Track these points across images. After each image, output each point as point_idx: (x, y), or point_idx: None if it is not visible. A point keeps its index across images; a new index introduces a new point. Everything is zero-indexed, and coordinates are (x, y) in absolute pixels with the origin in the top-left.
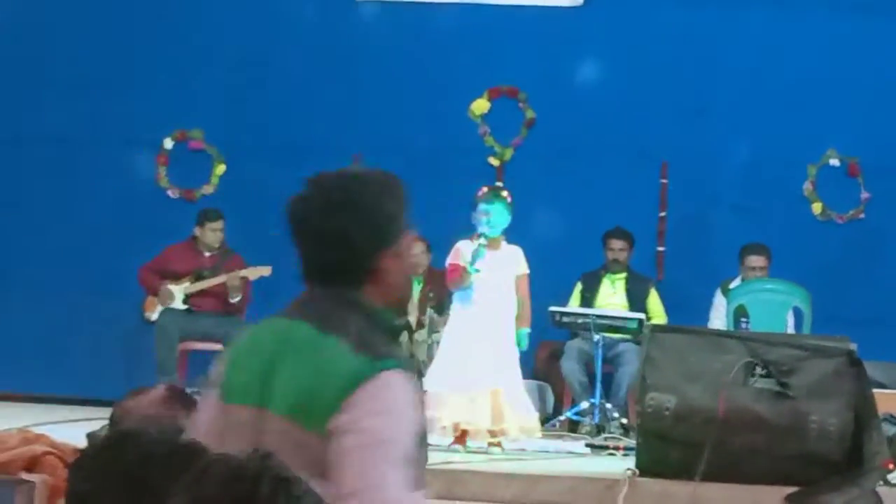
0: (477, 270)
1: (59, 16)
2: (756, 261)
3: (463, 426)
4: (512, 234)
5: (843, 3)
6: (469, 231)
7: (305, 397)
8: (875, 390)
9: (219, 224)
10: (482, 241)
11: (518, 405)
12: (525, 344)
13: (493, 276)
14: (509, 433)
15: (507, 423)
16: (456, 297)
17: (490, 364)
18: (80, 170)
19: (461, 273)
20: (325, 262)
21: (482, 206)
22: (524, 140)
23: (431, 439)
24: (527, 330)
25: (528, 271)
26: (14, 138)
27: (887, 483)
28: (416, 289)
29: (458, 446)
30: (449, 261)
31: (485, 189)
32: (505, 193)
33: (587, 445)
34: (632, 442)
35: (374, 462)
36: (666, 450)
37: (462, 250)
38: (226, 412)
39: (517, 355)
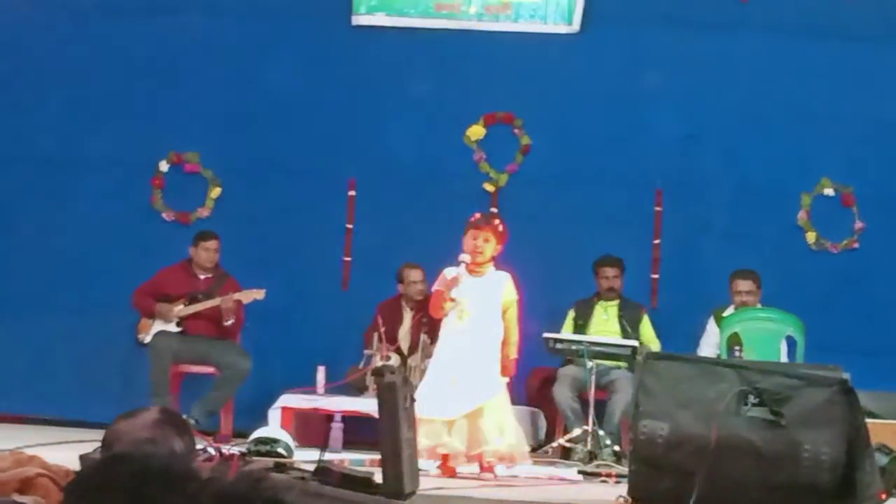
0: (451, 299)
1: (54, 38)
2: (744, 285)
3: (439, 450)
4: (505, 260)
5: (838, 32)
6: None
7: None
8: (868, 420)
9: (213, 244)
10: (461, 268)
11: (505, 430)
12: (513, 370)
13: (478, 303)
14: (487, 458)
15: (485, 447)
16: (443, 322)
17: (470, 389)
18: (76, 192)
19: (440, 300)
20: None
21: (468, 231)
22: (519, 166)
23: (421, 464)
24: (514, 357)
25: (515, 297)
26: (8, 159)
27: None
28: (408, 315)
29: (444, 475)
30: (434, 287)
31: (477, 216)
32: (497, 222)
33: (579, 472)
34: (624, 469)
35: None
36: (658, 477)
37: (447, 277)
38: None
39: (504, 381)
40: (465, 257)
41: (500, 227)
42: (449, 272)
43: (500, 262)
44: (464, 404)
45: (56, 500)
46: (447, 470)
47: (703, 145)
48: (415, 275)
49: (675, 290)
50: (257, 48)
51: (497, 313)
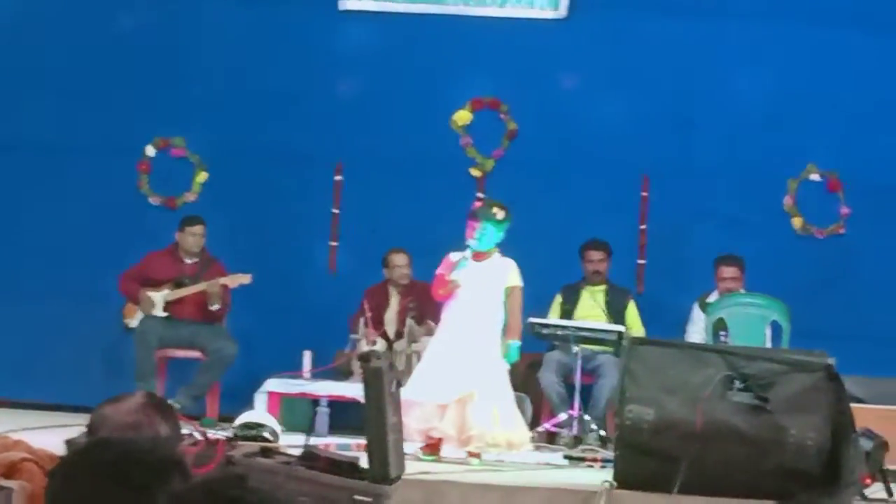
0: (454, 280)
1: (42, 24)
2: (728, 271)
3: (432, 434)
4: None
5: (826, 18)
6: (455, 242)
7: None
8: (853, 405)
9: (199, 229)
10: (466, 253)
11: (501, 417)
12: (514, 356)
13: (478, 289)
14: (475, 443)
15: (473, 431)
16: (444, 307)
17: (464, 373)
18: (61, 176)
19: (443, 283)
20: None
21: (469, 220)
22: (506, 151)
23: (406, 447)
24: (516, 343)
25: (519, 284)
26: None
27: (864, 498)
28: (395, 300)
29: (430, 455)
30: (438, 271)
31: (477, 203)
32: (494, 210)
33: (565, 457)
34: (610, 454)
35: None
36: (644, 462)
37: (451, 261)
38: None
39: (504, 367)
40: (472, 243)
41: (500, 215)
42: (454, 256)
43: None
44: (457, 389)
45: (41, 484)
46: (431, 449)
47: (690, 131)
48: (399, 259)
49: (661, 276)
50: (244, 32)
51: (498, 299)
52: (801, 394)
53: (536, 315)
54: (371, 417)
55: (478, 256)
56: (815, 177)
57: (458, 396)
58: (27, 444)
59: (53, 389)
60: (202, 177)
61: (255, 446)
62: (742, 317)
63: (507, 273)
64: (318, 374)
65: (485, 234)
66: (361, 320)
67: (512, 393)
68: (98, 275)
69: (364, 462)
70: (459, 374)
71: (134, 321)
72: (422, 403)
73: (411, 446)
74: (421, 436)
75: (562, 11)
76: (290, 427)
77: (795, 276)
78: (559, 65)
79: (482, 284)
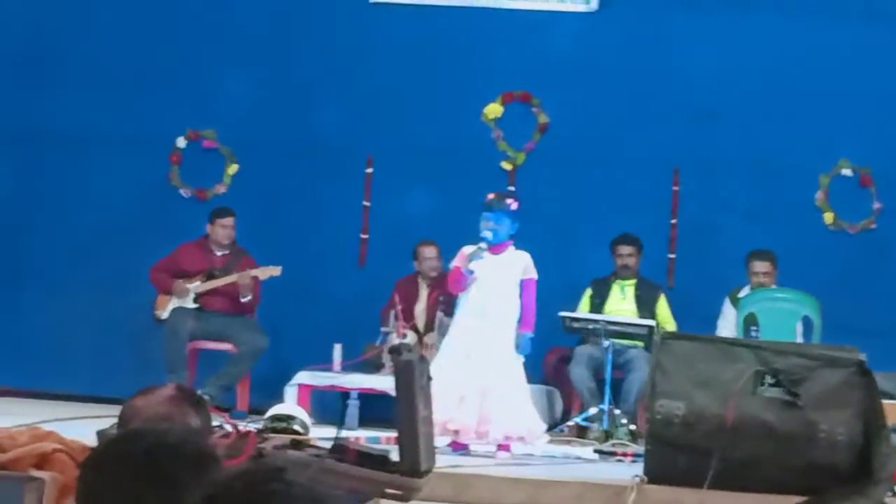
0: (471, 272)
1: (73, 14)
2: (760, 266)
3: (450, 426)
4: (522, 239)
5: (858, 12)
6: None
7: None
8: (884, 401)
9: (229, 220)
10: (482, 245)
11: (519, 410)
12: (527, 349)
13: (494, 281)
14: (492, 434)
15: (492, 424)
16: (459, 300)
17: (483, 366)
18: (93, 168)
19: (458, 276)
20: None
21: (484, 213)
22: (537, 144)
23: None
24: (529, 335)
25: (534, 276)
26: (27, 136)
27: None
28: (425, 292)
29: (459, 449)
30: (452, 264)
31: (491, 196)
32: (508, 201)
33: (595, 451)
34: (640, 448)
35: None
36: (674, 457)
37: (465, 253)
38: None
39: (519, 360)
40: (486, 234)
41: (513, 206)
42: (467, 249)
43: (516, 240)
44: (475, 380)
45: (72, 475)
46: (458, 445)
47: (722, 125)
48: (428, 251)
49: (691, 270)
50: (276, 25)
51: (514, 291)
52: (833, 389)
53: (566, 309)
54: (402, 410)
55: (493, 249)
56: (846, 172)
57: (477, 388)
58: (59, 434)
59: (85, 380)
60: (233, 169)
61: (285, 439)
62: (773, 312)
63: (523, 265)
64: (348, 367)
65: (500, 225)
66: (392, 313)
67: (527, 385)
68: (129, 266)
69: (395, 455)
70: (477, 367)
71: (165, 313)
72: (439, 395)
73: (441, 440)
74: (439, 427)
75: (593, 5)
76: (320, 420)
77: (827, 272)
78: (590, 58)
79: (498, 277)
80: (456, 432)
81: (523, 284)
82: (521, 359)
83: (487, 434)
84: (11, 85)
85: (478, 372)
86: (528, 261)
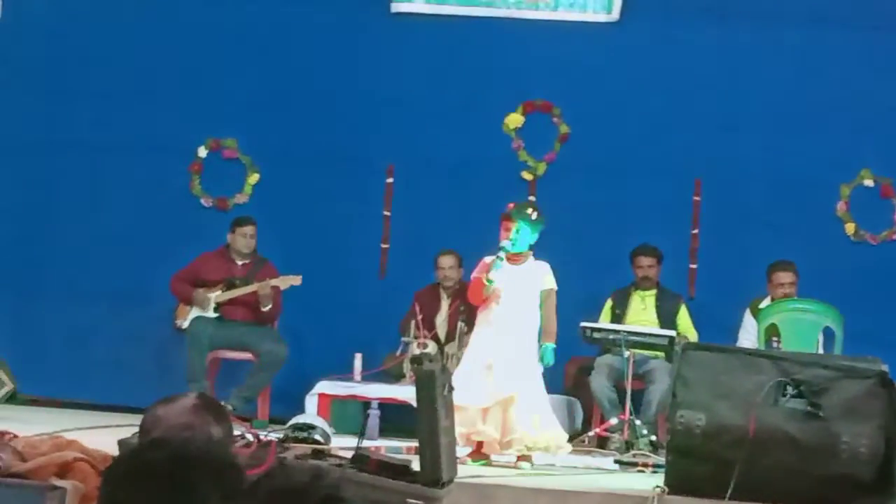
0: (490, 282)
1: (94, 24)
2: (783, 277)
3: (474, 437)
4: (543, 249)
5: (878, 23)
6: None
7: None
8: None
9: (250, 229)
10: (500, 254)
11: (542, 420)
12: (550, 360)
13: (514, 292)
14: (515, 445)
15: (515, 434)
16: (480, 311)
17: (504, 377)
18: (114, 177)
19: (478, 286)
20: None
21: (503, 222)
22: (557, 155)
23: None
24: (551, 346)
25: (554, 287)
26: (48, 145)
27: None
28: (446, 302)
29: (479, 460)
30: (473, 275)
31: (511, 205)
32: (529, 210)
33: (616, 462)
34: (661, 459)
35: None
36: (695, 468)
37: (486, 263)
38: None
39: (539, 370)
40: (506, 244)
41: (534, 216)
42: (488, 259)
43: (537, 250)
44: (498, 392)
45: (94, 484)
46: (478, 454)
47: (743, 135)
48: (447, 261)
49: (713, 281)
50: (297, 34)
51: (534, 303)
52: (855, 400)
53: (587, 319)
54: (423, 420)
55: (513, 259)
56: (868, 182)
57: (500, 399)
58: (81, 444)
59: (106, 390)
60: (254, 178)
61: (306, 448)
62: (794, 323)
63: (543, 276)
64: (368, 377)
65: (519, 235)
66: (412, 323)
67: (547, 396)
68: (150, 275)
69: (416, 465)
70: (499, 378)
71: (185, 322)
72: (463, 407)
73: (462, 450)
74: (463, 439)
75: (614, 15)
76: (341, 429)
77: (848, 282)
78: (611, 68)
79: (518, 287)
80: (480, 444)
81: (543, 295)
82: (541, 369)
83: (511, 445)
84: (32, 94)
85: (500, 383)
86: (548, 271)
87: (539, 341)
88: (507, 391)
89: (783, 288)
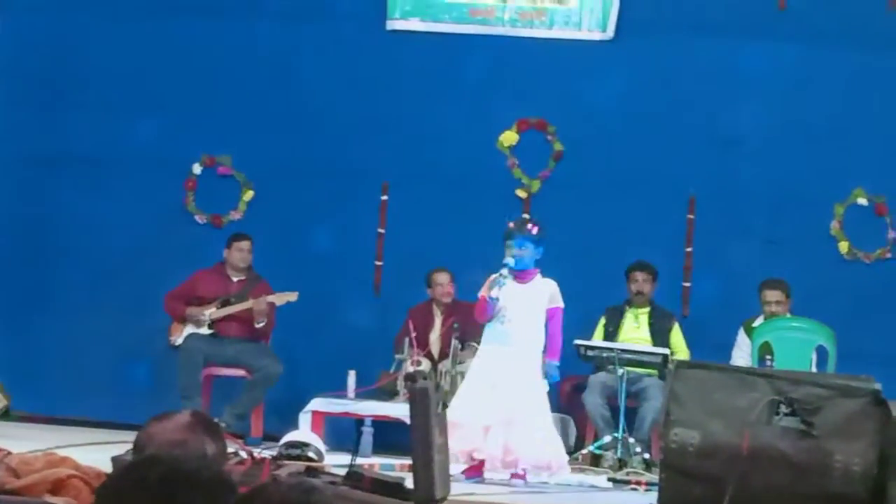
0: (494, 299)
1: (91, 41)
2: (772, 295)
3: (476, 455)
4: (538, 266)
5: (873, 41)
6: (499, 262)
7: None
8: None
9: (246, 244)
10: (503, 271)
11: (545, 439)
12: (555, 377)
13: (520, 309)
14: (519, 465)
15: (519, 454)
16: (485, 328)
17: (508, 395)
18: (108, 193)
19: (483, 304)
20: None
21: (507, 241)
22: (552, 172)
23: (451, 469)
24: (556, 363)
25: (561, 305)
26: (44, 160)
27: None
28: (439, 320)
29: (474, 476)
30: (480, 294)
31: (511, 224)
32: (530, 226)
33: (609, 480)
34: (654, 477)
35: None
36: (689, 486)
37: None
38: None
39: (545, 388)
40: (509, 261)
41: (535, 231)
42: (493, 276)
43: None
44: (501, 410)
45: (87, 501)
46: (474, 472)
47: (737, 154)
48: (440, 278)
49: (706, 299)
50: (292, 51)
51: (540, 320)
52: (848, 419)
53: (581, 337)
54: (417, 438)
55: (520, 278)
56: (862, 201)
57: (502, 418)
58: (74, 460)
59: (100, 406)
60: (248, 195)
61: (300, 466)
62: (788, 341)
63: (550, 294)
64: (362, 394)
65: (523, 251)
66: (406, 340)
67: (551, 414)
68: (144, 292)
69: (409, 483)
70: (503, 396)
71: (179, 339)
72: (466, 425)
73: (455, 468)
74: (464, 457)
75: (609, 33)
76: (335, 447)
77: (842, 301)
78: (606, 86)
79: (524, 305)
80: (482, 462)
81: (549, 313)
82: (546, 387)
83: (515, 464)
84: (30, 110)
85: (503, 401)
86: (555, 289)
87: (543, 359)
88: (510, 410)
89: (770, 306)
